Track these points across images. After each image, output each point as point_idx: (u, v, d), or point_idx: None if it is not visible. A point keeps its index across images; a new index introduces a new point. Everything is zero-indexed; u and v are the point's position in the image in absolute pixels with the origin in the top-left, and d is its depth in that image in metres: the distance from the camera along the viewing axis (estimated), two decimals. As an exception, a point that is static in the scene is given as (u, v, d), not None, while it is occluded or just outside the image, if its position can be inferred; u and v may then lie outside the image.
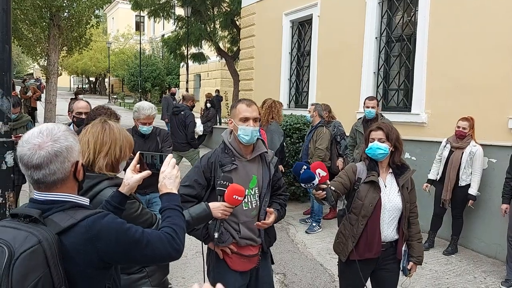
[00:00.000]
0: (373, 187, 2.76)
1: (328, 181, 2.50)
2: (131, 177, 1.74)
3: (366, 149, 2.80)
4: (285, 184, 2.76)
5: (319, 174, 2.44)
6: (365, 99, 5.83)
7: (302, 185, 2.48)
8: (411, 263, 2.89)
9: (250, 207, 2.55)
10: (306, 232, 6.00)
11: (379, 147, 2.73)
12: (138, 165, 1.81)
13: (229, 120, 2.58)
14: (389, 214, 2.77)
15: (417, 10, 6.54)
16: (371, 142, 2.78)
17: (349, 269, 2.87)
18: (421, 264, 2.95)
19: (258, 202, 2.57)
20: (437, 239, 5.59)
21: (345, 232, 2.86)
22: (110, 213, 1.46)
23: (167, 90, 31.90)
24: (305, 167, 2.45)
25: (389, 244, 2.82)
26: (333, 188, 2.59)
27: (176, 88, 15.29)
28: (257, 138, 2.56)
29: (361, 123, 5.90)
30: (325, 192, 2.48)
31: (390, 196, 2.77)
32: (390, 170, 2.83)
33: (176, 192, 1.67)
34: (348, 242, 2.82)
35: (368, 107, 5.69)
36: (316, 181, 2.42)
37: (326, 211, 6.61)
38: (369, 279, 2.96)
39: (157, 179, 1.71)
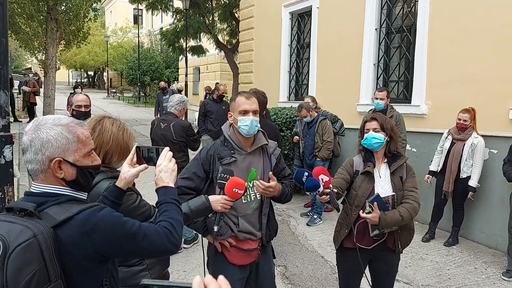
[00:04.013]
0: (368, 177, 2.79)
1: (330, 185, 2.50)
2: (127, 171, 1.71)
3: (362, 140, 2.84)
4: (291, 174, 2.72)
5: (322, 180, 2.43)
6: (376, 90, 5.78)
7: (307, 193, 2.48)
8: (375, 212, 2.62)
9: (249, 199, 2.52)
10: (307, 224, 6.00)
11: (374, 136, 2.76)
12: (135, 159, 1.78)
13: (229, 113, 2.54)
14: None
15: (417, 1, 6.47)
16: (366, 133, 2.81)
17: (343, 256, 2.93)
18: (378, 223, 2.62)
19: (258, 195, 2.54)
20: (438, 230, 5.59)
21: (341, 221, 2.92)
22: (107, 206, 1.44)
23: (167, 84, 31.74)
24: (306, 174, 2.45)
25: (383, 235, 2.79)
26: (335, 190, 2.61)
27: (173, 82, 14.76)
28: (258, 130, 2.53)
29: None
30: (329, 196, 2.48)
31: (384, 186, 2.79)
32: (385, 160, 2.85)
33: (173, 186, 1.64)
34: (341, 230, 2.88)
35: (377, 99, 5.64)
36: (321, 188, 2.42)
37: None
38: (369, 271, 2.96)
39: None
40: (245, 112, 2.44)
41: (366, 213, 2.59)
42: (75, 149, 1.41)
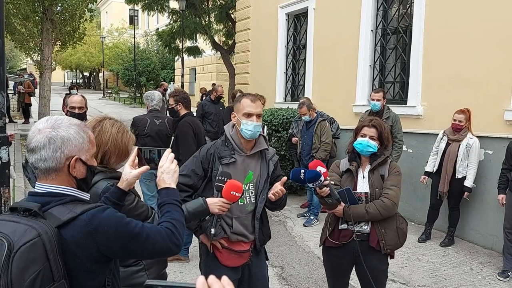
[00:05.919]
0: (351, 177, 2.83)
1: (328, 177, 2.52)
2: (129, 172, 1.72)
3: (355, 143, 2.82)
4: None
5: (320, 171, 2.46)
6: (372, 91, 5.79)
7: (310, 185, 2.49)
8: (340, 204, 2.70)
9: (245, 202, 2.53)
10: (304, 225, 6.01)
11: (369, 144, 2.76)
12: (137, 160, 1.79)
13: (232, 114, 2.56)
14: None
15: (413, 2, 6.50)
16: (361, 136, 2.80)
17: (325, 255, 2.97)
18: (343, 215, 2.74)
19: (252, 198, 2.56)
20: (434, 231, 5.62)
21: (327, 219, 2.96)
22: (110, 207, 1.46)
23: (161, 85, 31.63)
24: (303, 171, 2.47)
25: (365, 236, 2.78)
26: (333, 183, 2.62)
27: (170, 83, 14.80)
28: (259, 134, 2.54)
29: (367, 116, 5.87)
30: (329, 188, 2.49)
31: (364, 185, 2.82)
32: (369, 160, 2.87)
33: (175, 187, 1.66)
34: (326, 228, 2.91)
35: (373, 100, 5.64)
36: (322, 178, 2.44)
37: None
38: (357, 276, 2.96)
39: None
40: (249, 115, 2.45)
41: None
42: (87, 149, 1.45)
